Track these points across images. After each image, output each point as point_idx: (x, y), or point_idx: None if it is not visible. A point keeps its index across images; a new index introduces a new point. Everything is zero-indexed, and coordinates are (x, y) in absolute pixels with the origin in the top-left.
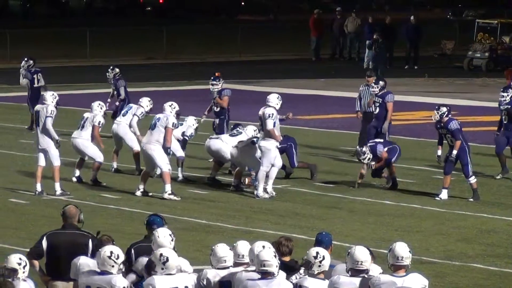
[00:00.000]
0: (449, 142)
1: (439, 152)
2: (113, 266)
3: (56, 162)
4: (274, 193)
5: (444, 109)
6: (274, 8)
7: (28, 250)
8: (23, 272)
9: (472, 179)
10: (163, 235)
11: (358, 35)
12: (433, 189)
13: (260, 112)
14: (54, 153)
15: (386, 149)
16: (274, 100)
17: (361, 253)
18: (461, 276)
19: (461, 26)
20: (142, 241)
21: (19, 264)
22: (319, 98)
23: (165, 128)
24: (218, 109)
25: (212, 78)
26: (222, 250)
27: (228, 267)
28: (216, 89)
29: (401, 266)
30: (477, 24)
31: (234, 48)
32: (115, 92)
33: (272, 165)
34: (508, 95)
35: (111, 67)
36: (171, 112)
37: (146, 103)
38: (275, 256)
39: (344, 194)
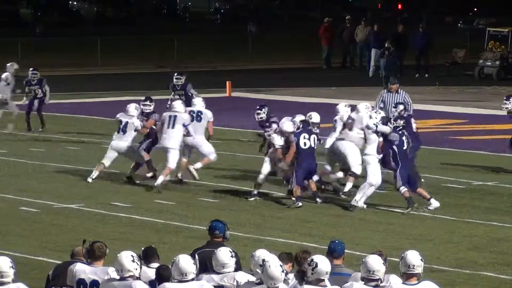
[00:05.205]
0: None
1: None
2: (136, 269)
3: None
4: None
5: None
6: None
7: (38, 258)
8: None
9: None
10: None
11: (368, 43)
12: (444, 197)
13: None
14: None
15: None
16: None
17: (375, 262)
18: (472, 284)
19: (472, 34)
20: (204, 246)
21: None
22: (330, 106)
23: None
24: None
25: (143, 99)
26: (225, 255)
27: (227, 273)
28: (148, 110)
29: (413, 275)
30: (488, 32)
31: (245, 56)
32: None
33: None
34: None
35: (177, 74)
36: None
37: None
38: (283, 271)
39: None
